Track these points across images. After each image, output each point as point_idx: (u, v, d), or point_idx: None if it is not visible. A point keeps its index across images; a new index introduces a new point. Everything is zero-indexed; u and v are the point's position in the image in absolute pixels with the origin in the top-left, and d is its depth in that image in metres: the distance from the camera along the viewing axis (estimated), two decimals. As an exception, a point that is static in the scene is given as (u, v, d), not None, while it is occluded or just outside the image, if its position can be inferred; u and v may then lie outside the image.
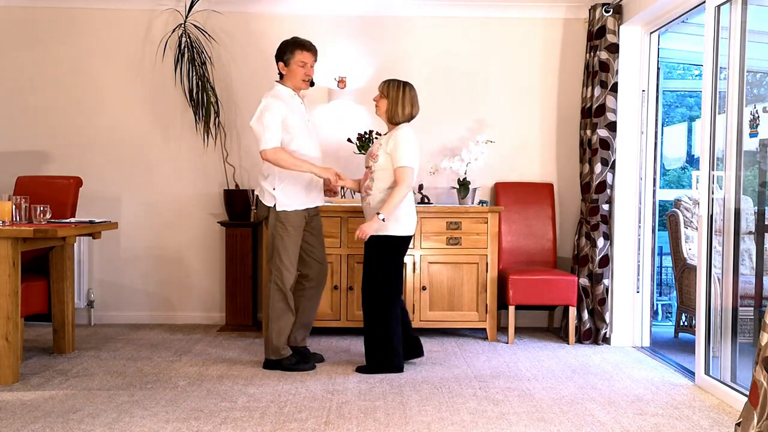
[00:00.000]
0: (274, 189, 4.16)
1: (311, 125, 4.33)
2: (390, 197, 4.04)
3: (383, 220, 4.01)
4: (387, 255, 4.12)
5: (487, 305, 5.04)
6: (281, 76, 4.26)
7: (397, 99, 4.15)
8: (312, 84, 4.29)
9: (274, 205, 4.17)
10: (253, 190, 5.36)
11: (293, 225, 4.18)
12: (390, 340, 4.13)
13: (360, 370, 4.20)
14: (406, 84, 4.20)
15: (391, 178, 4.11)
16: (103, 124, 5.55)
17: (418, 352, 4.37)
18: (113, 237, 5.51)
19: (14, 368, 3.86)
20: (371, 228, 4.04)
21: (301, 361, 4.24)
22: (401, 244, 4.14)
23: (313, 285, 4.37)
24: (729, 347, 3.89)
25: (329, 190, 4.38)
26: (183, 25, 5.37)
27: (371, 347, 4.17)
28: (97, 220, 4.57)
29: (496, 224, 5.05)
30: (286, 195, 4.17)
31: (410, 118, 4.20)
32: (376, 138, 4.34)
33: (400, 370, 4.18)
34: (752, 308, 4.09)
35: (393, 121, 4.18)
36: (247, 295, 5.34)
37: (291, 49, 4.18)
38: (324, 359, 4.47)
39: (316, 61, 4.28)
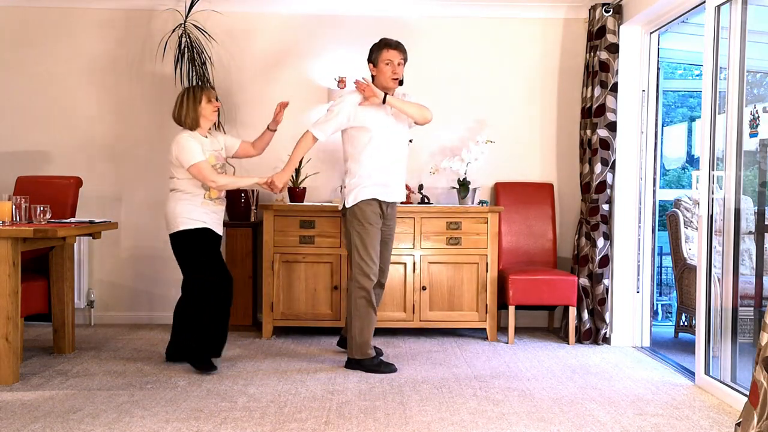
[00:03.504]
0: (345, 187, 4.24)
1: (396, 128, 4.25)
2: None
3: None
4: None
5: (487, 305, 5.04)
6: (373, 78, 4.30)
7: None
8: (401, 83, 4.30)
9: (345, 202, 4.23)
10: (253, 191, 5.38)
11: (366, 219, 4.17)
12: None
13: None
14: None
15: None
16: (103, 124, 5.55)
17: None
18: (113, 237, 5.51)
19: (14, 368, 3.86)
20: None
21: (382, 363, 4.20)
22: None
23: (375, 285, 4.29)
24: (729, 347, 3.89)
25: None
26: (183, 25, 5.36)
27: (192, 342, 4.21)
28: (97, 220, 4.58)
29: (496, 224, 5.05)
30: (351, 189, 4.20)
31: None
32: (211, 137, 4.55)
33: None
34: (752, 308, 4.08)
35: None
36: (247, 296, 5.34)
37: (377, 48, 4.26)
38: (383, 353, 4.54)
39: (405, 60, 4.26)
